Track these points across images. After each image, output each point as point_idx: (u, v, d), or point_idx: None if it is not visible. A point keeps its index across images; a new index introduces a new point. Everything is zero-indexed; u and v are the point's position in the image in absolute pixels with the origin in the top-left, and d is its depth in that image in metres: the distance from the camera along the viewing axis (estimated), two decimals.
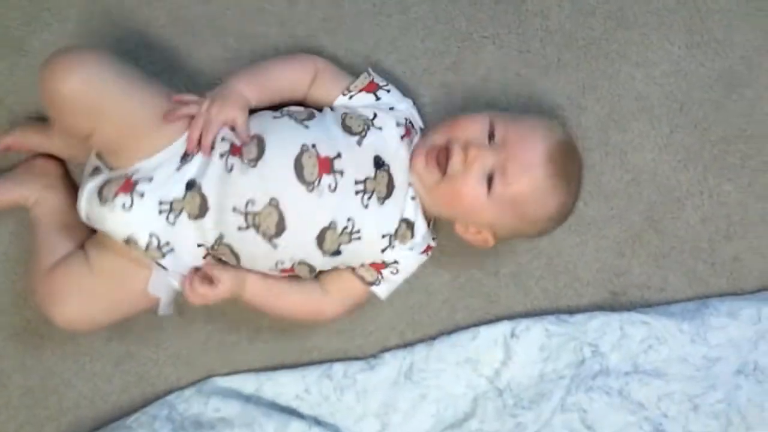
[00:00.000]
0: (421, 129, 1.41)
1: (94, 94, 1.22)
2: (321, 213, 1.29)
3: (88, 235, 1.39)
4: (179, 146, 1.29)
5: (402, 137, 1.36)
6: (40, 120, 1.42)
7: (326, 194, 1.29)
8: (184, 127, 1.29)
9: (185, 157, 1.29)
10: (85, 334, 1.41)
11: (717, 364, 1.54)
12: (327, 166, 1.29)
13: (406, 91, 1.47)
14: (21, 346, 1.44)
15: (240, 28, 1.49)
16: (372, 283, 1.39)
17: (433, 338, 1.52)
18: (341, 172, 1.30)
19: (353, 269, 1.38)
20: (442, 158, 1.31)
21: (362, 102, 1.39)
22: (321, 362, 1.50)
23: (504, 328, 1.52)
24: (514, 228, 1.36)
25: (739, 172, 1.59)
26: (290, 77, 1.38)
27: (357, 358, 1.51)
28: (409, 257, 1.38)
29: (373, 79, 1.41)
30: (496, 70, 1.54)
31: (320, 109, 1.39)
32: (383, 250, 1.36)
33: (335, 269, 1.38)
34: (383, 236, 1.34)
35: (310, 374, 1.49)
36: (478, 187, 1.30)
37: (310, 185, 1.28)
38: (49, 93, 1.23)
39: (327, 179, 1.29)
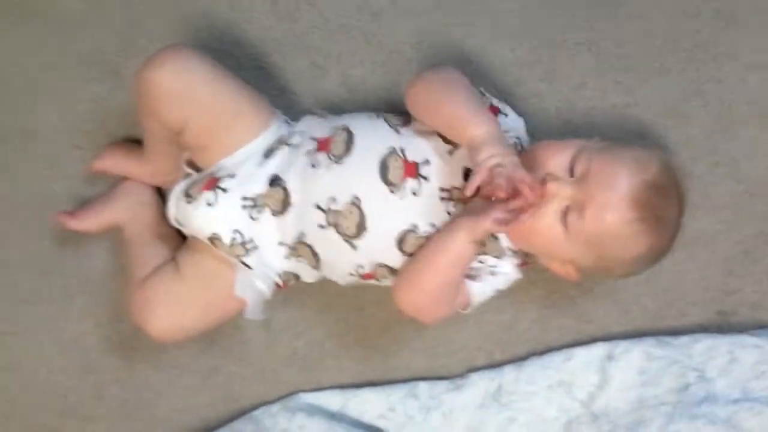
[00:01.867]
0: None
1: (186, 83, 1.24)
2: (403, 215, 1.22)
3: (178, 246, 1.37)
4: (261, 143, 1.28)
5: None
6: (133, 143, 1.40)
7: (409, 197, 1.22)
8: (266, 124, 1.29)
9: (268, 153, 1.27)
10: (178, 344, 1.37)
11: None
12: (413, 170, 1.22)
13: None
14: (117, 360, 1.44)
15: (326, 45, 1.44)
16: (469, 276, 1.25)
17: (522, 359, 1.40)
18: (427, 178, 1.22)
19: None
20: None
21: None
22: (406, 381, 1.41)
23: (600, 349, 1.38)
24: (598, 266, 1.21)
25: None
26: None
27: (443, 378, 1.40)
28: (506, 265, 1.26)
29: (491, 103, 1.30)
30: (592, 77, 1.41)
31: None
32: None
33: None
34: None
35: (395, 393, 1.40)
36: (554, 224, 1.18)
37: (393, 186, 1.22)
38: (145, 83, 1.24)
39: (411, 183, 1.22)
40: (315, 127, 1.30)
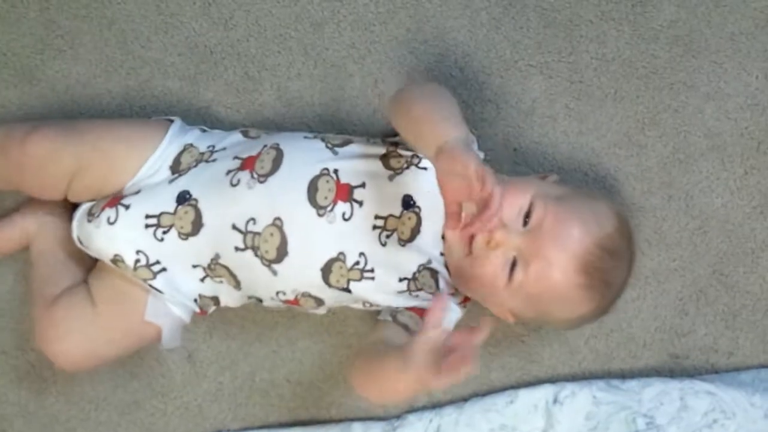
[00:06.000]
0: None
1: (56, 164, 1.03)
2: (329, 241, 1.00)
3: (90, 268, 1.12)
4: (159, 158, 1.04)
5: None
6: None
7: (338, 222, 0.99)
8: (157, 140, 1.05)
9: (177, 168, 1.04)
10: (87, 371, 1.11)
11: None
12: (345, 193, 1.00)
13: None
14: (24, 391, 1.17)
15: (262, 55, 1.17)
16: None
17: (464, 400, 1.17)
18: (360, 203, 1.00)
19: (394, 318, 1.03)
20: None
21: None
22: (339, 421, 1.17)
23: (546, 391, 1.15)
24: (537, 319, 1.04)
25: None
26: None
27: (379, 419, 1.16)
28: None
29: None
30: (543, 102, 1.17)
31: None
32: (400, 293, 1.02)
33: (376, 330, 1.04)
34: (400, 280, 1.02)
35: None
36: (497, 273, 0.98)
37: (321, 209, 0.99)
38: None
39: (342, 207, 1.00)
40: (241, 146, 1.05)
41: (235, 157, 1.03)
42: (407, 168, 1.02)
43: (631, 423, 1.13)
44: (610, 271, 0.99)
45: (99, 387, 1.16)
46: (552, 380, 1.16)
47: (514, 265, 0.97)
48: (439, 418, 1.15)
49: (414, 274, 1.01)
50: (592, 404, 1.13)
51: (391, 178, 1.01)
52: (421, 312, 1.03)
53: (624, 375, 1.16)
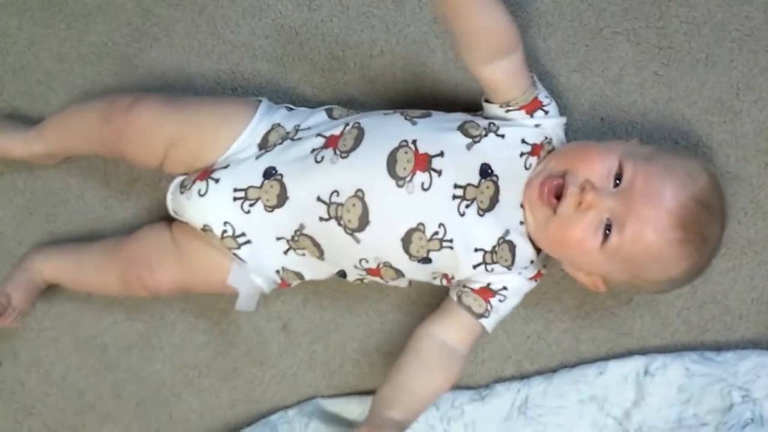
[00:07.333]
0: None
1: (156, 133, 1.06)
2: (408, 211, 0.99)
3: None
4: (249, 136, 1.06)
5: (523, 154, 1.00)
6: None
7: (417, 192, 0.98)
8: (247, 118, 1.06)
9: (264, 146, 1.05)
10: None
11: None
12: (423, 162, 0.98)
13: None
14: (134, 358, 1.22)
15: (345, 35, 1.16)
16: (481, 315, 1.02)
17: (553, 371, 1.13)
18: (439, 172, 0.98)
19: (459, 299, 1.01)
20: (555, 193, 0.96)
21: (513, 116, 1.01)
22: None
23: (636, 363, 1.11)
24: (629, 284, 0.99)
25: None
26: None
27: (467, 388, 1.15)
28: (517, 283, 1.02)
29: (537, 96, 1.02)
30: (630, 69, 1.12)
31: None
32: (476, 266, 1.00)
33: (440, 311, 1.04)
34: (476, 250, 1.00)
35: None
36: (589, 236, 0.95)
37: (400, 180, 0.98)
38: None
39: (421, 177, 0.98)
40: (325, 125, 1.06)
41: (319, 135, 1.04)
42: (485, 135, 1.00)
43: (726, 396, 1.08)
44: (705, 225, 0.95)
45: (201, 355, 1.20)
46: (643, 352, 1.11)
47: (607, 227, 0.94)
48: (528, 388, 1.13)
49: (493, 247, 0.99)
50: (685, 376, 1.09)
51: (468, 146, 0.99)
52: (487, 294, 1.01)
53: (719, 347, 1.11)
